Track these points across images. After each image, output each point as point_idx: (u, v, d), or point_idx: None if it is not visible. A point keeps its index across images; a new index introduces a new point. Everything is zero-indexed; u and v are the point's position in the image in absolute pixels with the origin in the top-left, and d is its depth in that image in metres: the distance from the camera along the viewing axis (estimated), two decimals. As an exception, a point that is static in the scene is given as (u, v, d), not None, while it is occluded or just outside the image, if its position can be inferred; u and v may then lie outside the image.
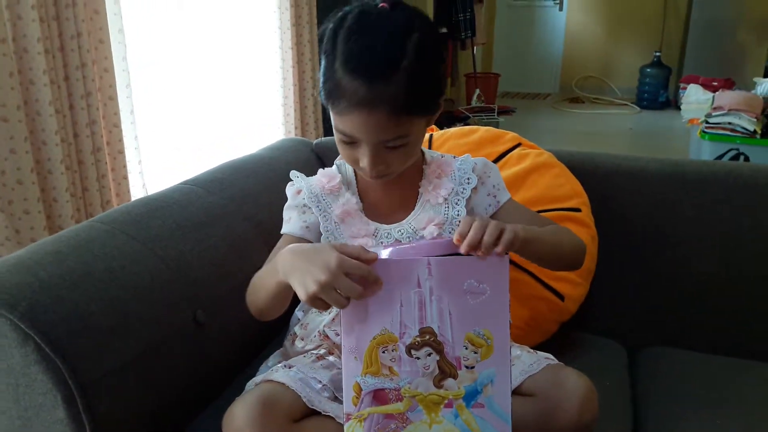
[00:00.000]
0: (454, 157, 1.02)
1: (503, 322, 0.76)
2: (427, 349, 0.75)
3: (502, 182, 1.02)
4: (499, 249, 0.75)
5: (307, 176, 1.02)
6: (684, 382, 1.12)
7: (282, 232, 0.99)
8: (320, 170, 1.02)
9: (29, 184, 1.51)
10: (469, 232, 0.75)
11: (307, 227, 0.97)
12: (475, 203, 1.00)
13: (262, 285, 0.87)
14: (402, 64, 0.80)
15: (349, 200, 0.97)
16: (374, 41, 0.81)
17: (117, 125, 1.79)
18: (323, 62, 0.85)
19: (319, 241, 0.97)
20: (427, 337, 0.75)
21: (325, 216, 0.97)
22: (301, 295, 0.74)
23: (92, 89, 1.68)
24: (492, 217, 0.99)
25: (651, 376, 1.17)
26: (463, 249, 0.74)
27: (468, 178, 0.99)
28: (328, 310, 1.00)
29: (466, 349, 0.75)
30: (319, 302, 0.74)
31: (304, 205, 0.98)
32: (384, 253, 0.75)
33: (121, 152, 1.82)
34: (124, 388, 0.84)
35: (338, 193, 0.98)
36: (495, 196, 1.00)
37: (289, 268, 0.77)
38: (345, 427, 0.76)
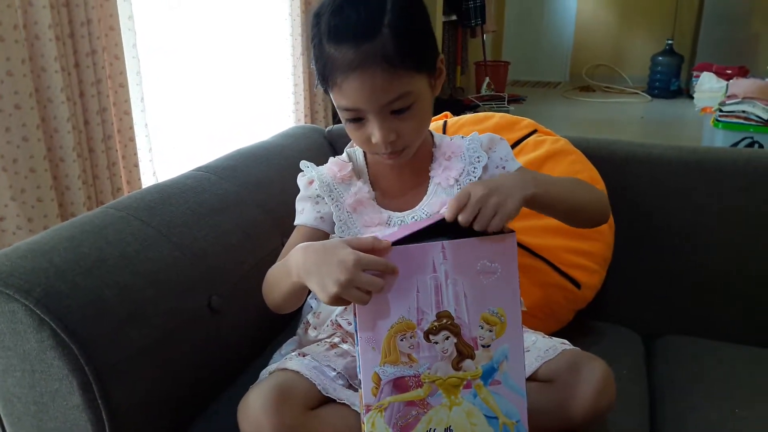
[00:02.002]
0: (463, 137, 1.00)
1: (514, 298, 0.76)
2: (444, 333, 0.75)
3: (510, 153, 1.00)
4: (496, 223, 0.75)
5: (320, 164, 1.00)
6: (701, 371, 1.11)
7: (296, 223, 0.97)
8: (331, 159, 1.00)
9: (42, 171, 1.51)
10: (463, 206, 0.75)
11: (321, 218, 0.96)
12: (485, 179, 0.98)
13: (277, 283, 0.86)
14: (385, 20, 0.80)
15: (361, 189, 0.95)
16: (354, 7, 0.80)
17: (127, 112, 1.78)
18: (313, 51, 0.85)
19: (333, 231, 0.96)
20: (445, 321, 0.75)
21: (337, 206, 0.95)
22: (322, 297, 0.73)
23: (102, 76, 1.67)
24: None
25: (667, 364, 1.16)
26: (461, 222, 0.75)
27: (478, 157, 0.97)
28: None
29: (482, 328, 0.75)
30: (340, 302, 0.72)
31: (318, 196, 0.96)
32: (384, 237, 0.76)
33: (132, 140, 1.81)
34: (140, 374, 0.84)
35: (350, 182, 0.96)
36: (504, 168, 0.98)
37: (303, 270, 0.76)
38: (365, 419, 0.75)
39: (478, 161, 0.97)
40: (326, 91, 0.87)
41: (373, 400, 0.74)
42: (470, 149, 0.98)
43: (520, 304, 0.78)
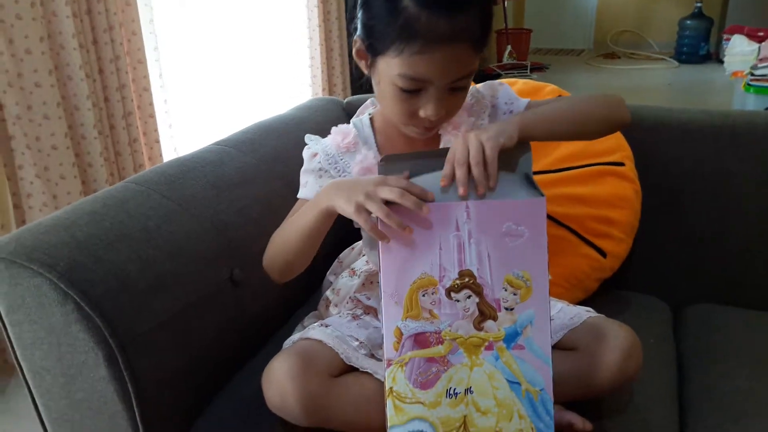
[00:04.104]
0: None
1: (542, 264, 0.75)
2: (466, 292, 0.75)
3: (512, 94, 0.97)
4: (488, 156, 0.74)
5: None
6: (730, 339, 1.09)
7: (299, 196, 0.96)
8: (333, 128, 0.97)
9: (64, 149, 1.52)
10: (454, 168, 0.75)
11: None
12: None
13: (293, 228, 0.86)
14: None
15: (367, 156, 0.92)
16: None
17: (147, 89, 1.78)
18: (372, 5, 0.78)
19: None
20: (467, 279, 0.75)
21: (344, 176, 0.93)
22: (347, 206, 0.74)
23: (120, 53, 1.67)
24: None
25: (695, 332, 1.14)
26: (458, 177, 0.74)
27: (483, 106, 0.95)
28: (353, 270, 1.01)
29: (505, 291, 0.75)
30: (364, 213, 0.74)
31: (320, 169, 0.94)
32: None
33: (152, 116, 1.82)
34: (164, 347, 0.84)
35: (354, 150, 0.94)
36: (511, 111, 0.95)
37: (334, 191, 0.78)
38: (386, 373, 0.76)
39: (484, 111, 0.95)
40: (372, 52, 0.81)
41: (395, 354, 0.75)
42: (473, 101, 0.95)
43: (548, 268, 0.76)
